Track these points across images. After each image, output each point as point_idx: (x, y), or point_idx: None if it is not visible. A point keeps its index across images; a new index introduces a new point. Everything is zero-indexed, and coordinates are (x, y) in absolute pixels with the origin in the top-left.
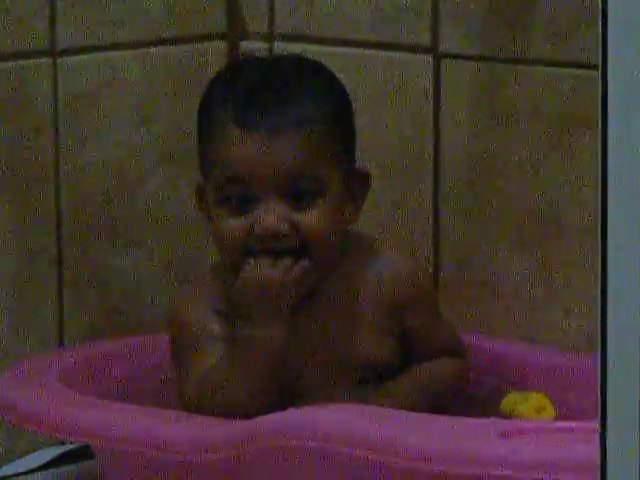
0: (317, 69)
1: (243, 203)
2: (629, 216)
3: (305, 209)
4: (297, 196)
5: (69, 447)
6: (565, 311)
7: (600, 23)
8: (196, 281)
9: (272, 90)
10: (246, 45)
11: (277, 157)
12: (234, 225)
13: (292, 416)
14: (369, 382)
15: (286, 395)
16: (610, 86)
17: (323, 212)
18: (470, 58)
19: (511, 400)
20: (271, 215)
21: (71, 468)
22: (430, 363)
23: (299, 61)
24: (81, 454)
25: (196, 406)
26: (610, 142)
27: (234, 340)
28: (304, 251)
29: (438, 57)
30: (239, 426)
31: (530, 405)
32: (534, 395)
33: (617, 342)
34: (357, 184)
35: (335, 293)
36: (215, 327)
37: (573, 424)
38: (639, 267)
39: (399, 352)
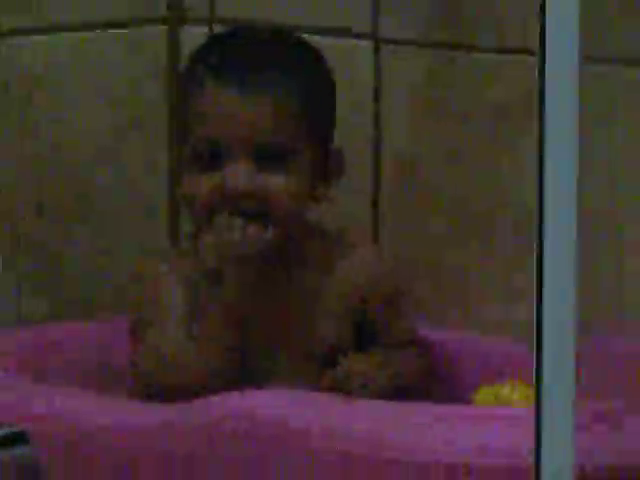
0: (305, 46)
1: (213, 161)
2: (564, 207)
3: (273, 173)
4: (265, 159)
5: (4, 430)
6: (512, 300)
7: (540, 11)
8: (166, 251)
9: (254, 55)
10: (187, 30)
11: (249, 116)
12: (203, 182)
13: (228, 400)
14: (324, 364)
15: (245, 374)
16: (547, 73)
17: (290, 178)
18: (410, 43)
19: (490, 392)
20: (239, 174)
21: (6, 452)
22: (398, 351)
23: (288, 36)
24: (16, 439)
25: (148, 380)
26: (547, 130)
27: (196, 309)
28: (269, 216)
29: (378, 43)
30: (175, 411)
31: (522, 395)
32: (519, 386)
33: (553, 330)
34: (331, 164)
35: (301, 278)
36: (178, 296)
37: (506, 410)
38: (573, 252)
39: (355, 339)
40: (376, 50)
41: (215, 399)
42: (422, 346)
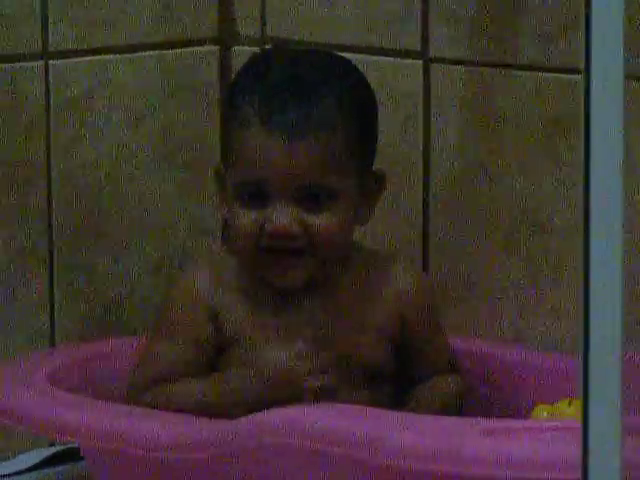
0: (346, 69)
1: (258, 199)
2: (610, 219)
3: (318, 212)
4: (311, 199)
5: (59, 448)
6: (553, 313)
7: (584, 28)
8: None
9: (298, 89)
10: (238, 50)
11: (297, 161)
12: (247, 218)
13: (275, 415)
14: (363, 383)
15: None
16: (593, 91)
17: (336, 216)
18: (459, 62)
19: (545, 409)
20: (283, 216)
21: (60, 469)
22: (435, 381)
23: (328, 59)
24: (71, 455)
25: (134, 400)
26: (593, 146)
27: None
28: (313, 252)
29: (427, 61)
30: (224, 425)
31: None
32: (573, 401)
33: (599, 344)
34: (372, 184)
35: (344, 293)
36: (199, 332)
37: (561, 423)
38: (620, 268)
39: (396, 360)
40: (425, 68)
41: (260, 415)
42: (459, 370)
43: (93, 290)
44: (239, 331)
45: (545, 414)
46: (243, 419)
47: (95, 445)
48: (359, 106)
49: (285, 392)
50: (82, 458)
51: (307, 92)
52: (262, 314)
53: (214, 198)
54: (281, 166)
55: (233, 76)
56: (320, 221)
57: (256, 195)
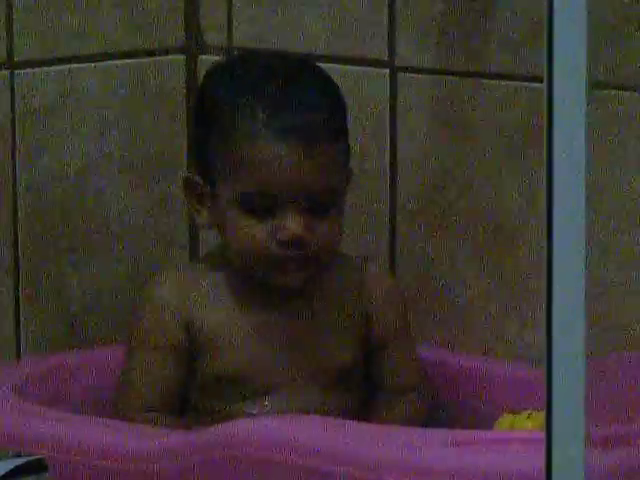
0: (323, 73)
1: (265, 208)
2: (573, 228)
3: (323, 218)
4: (317, 205)
5: (23, 460)
6: (522, 324)
7: (546, 36)
8: (169, 273)
9: (302, 97)
10: (205, 59)
11: (309, 169)
12: (257, 228)
13: (240, 426)
14: (334, 385)
15: (258, 388)
16: (555, 97)
17: (337, 221)
18: (426, 71)
19: (507, 421)
20: (296, 224)
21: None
22: (403, 405)
23: (304, 64)
24: (35, 467)
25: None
26: (555, 154)
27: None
28: (316, 255)
29: (394, 70)
30: (189, 436)
31: (537, 423)
32: (534, 414)
33: (562, 355)
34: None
35: (320, 295)
36: (174, 340)
37: (527, 435)
38: (582, 276)
39: (365, 364)
40: (392, 77)
41: (225, 426)
42: (427, 388)
43: (59, 301)
44: (214, 336)
45: (506, 426)
46: (206, 430)
47: (60, 457)
48: (344, 114)
49: None
50: (46, 469)
51: (310, 100)
52: (237, 318)
53: (183, 208)
54: (294, 176)
55: (207, 86)
56: (326, 227)
57: (263, 204)
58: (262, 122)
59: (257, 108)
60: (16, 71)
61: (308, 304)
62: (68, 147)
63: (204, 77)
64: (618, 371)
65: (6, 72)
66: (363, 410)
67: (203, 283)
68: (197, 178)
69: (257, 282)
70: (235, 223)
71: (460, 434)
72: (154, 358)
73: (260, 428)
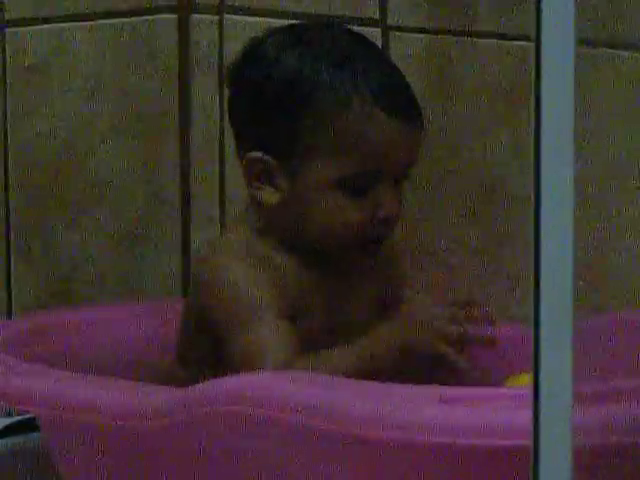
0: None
1: (364, 188)
2: (561, 191)
3: (400, 193)
4: (400, 181)
5: (15, 419)
6: (512, 282)
7: None
8: (239, 247)
9: (395, 72)
10: (196, 18)
11: (412, 146)
12: (355, 210)
13: (226, 382)
14: None
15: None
16: (544, 56)
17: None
18: (418, 30)
19: (511, 381)
20: (395, 202)
21: (17, 440)
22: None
23: (361, 36)
24: (27, 426)
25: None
26: (543, 113)
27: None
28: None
29: (386, 29)
30: (177, 392)
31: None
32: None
33: (549, 312)
34: None
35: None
36: (274, 298)
37: (518, 391)
38: (571, 236)
39: None
40: (384, 36)
41: (212, 382)
42: None
43: (51, 259)
44: (299, 304)
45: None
46: (197, 386)
47: (50, 415)
48: None
49: (425, 338)
50: (38, 429)
51: (400, 74)
52: (312, 288)
53: (175, 167)
54: (400, 153)
55: (273, 59)
56: (401, 202)
57: (365, 184)
58: (369, 99)
59: (358, 85)
60: (7, 30)
61: (366, 273)
62: (59, 106)
63: (261, 49)
64: (609, 331)
65: None
66: None
67: (262, 258)
68: (267, 157)
69: (325, 257)
70: (329, 203)
71: (449, 391)
72: (275, 327)
73: (247, 384)
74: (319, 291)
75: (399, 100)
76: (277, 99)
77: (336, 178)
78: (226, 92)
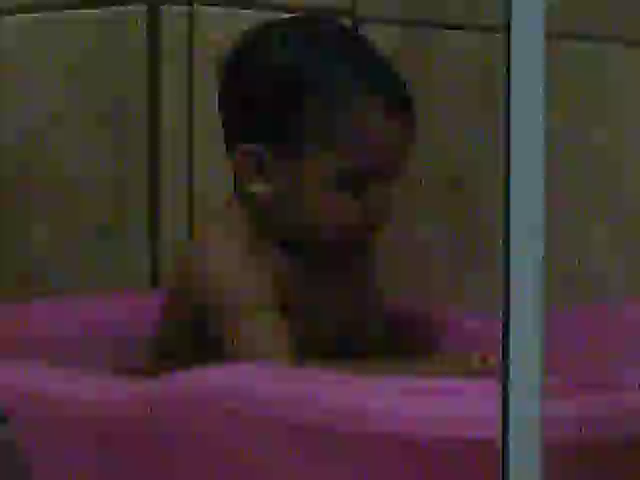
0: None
1: (359, 183)
2: (531, 183)
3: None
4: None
5: None
6: (482, 277)
7: None
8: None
9: (391, 67)
10: (166, 9)
11: (403, 140)
12: (350, 205)
13: (205, 374)
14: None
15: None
16: (513, 48)
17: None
18: (388, 22)
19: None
20: (388, 196)
21: None
22: None
23: (354, 31)
24: None
25: None
26: (513, 105)
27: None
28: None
29: (356, 21)
30: (152, 383)
31: None
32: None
33: (519, 304)
34: None
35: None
36: (267, 289)
37: (473, 383)
38: (540, 224)
39: None
40: (354, 27)
41: (184, 374)
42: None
43: (21, 253)
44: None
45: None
46: (173, 376)
47: (21, 406)
48: None
49: None
50: (6, 421)
51: (392, 68)
52: (302, 283)
53: (143, 158)
54: (394, 152)
55: (270, 53)
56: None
57: (361, 178)
58: (368, 96)
59: (356, 80)
60: None
61: (350, 270)
62: (28, 97)
63: (259, 42)
64: (581, 323)
65: None
66: None
67: (256, 251)
68: (261, 149)
69: (315, 253)
70: (322, 199)
71: (414, 382)
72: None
73: (213, 377)
74: (309, 286)
75: (396, 98)
76: (275, 93)
77: (331, 174)
78: (215, 84)
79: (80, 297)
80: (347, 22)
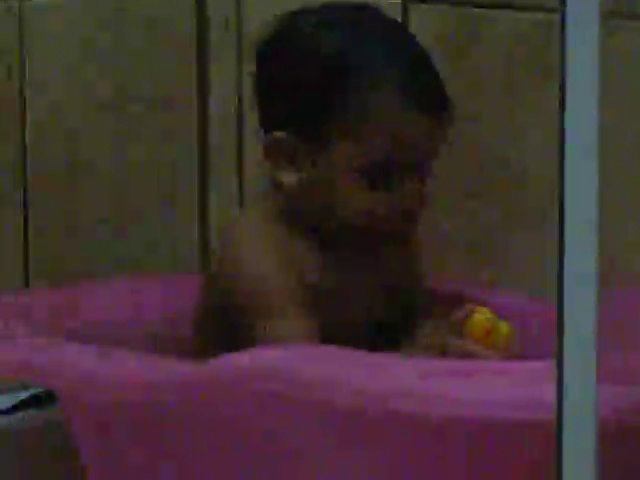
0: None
1: (390, 178)
2: (586, 170)
3: (424, 185)
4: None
5: (31, 392)
6: (530, 259)
7: None
8: (258, 230)
9: (427, 61)
10: None
11: (438, 139)
12: (380, 201)
13: (238, 359)
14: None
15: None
16: (568, 29)
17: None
18: (438, 1)
19: (480, 323)
20: (419, 194)
21: (33, 413)
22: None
23: (395, 21)
24: (44, 399)
25: None
26: (569, 86)
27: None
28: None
29: (406, 1)
30: (192, 367)
31: (480, 326)
32: (486, 316)
33: (573, 290)
34: None
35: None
36: (299, 290)
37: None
38: (595, 209)
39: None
40: (404, 8)
41: (224, 359)
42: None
43: (69, 234)
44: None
45: (485, 321)
46: (211, 362)
47: (72, 389)
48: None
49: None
50: (57, 401)
51: (431, 63)
52: (330, 273)
53: (189, 143)
54: (428, 145)
55: (302, 41)
56: (425, 197)
57: (390, 173)
58: (401, 89)
59: (391, 72)
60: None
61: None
62: (76, 84)
63: (291, 28)
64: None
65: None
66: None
67: (284, 242)
68: (292, 138)
69: (342, 243)
70: (353, 190)
71: (465, 364)
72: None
73: (256, 360)
74: (336, 276)
75: (430, 92)
76: (308, 80)
77: (359, 164)
78: (250, 68)
79: (131, 280)
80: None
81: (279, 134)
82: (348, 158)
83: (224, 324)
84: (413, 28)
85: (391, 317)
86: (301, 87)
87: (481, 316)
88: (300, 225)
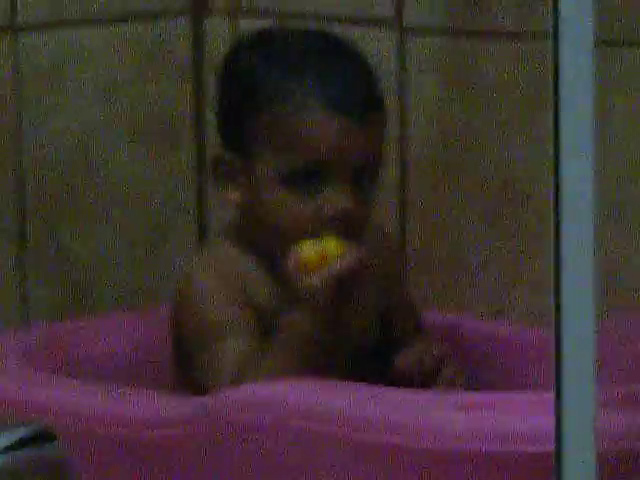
0: (354, 47)
1: (313, 185)
2: (581, 195)
3: (362, 193)
4: (358, 180)
5: (29, 429)
6: (532, 285)
7: None
8: (210, 257)
9: (350, 70)
10: (210, 21)
11: (359, 141)
12: (303, 207)
13: (247, 391)
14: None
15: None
16: (562, 55)
17: (372, 195)
18: (435, 31)
19: (308, 249)
20: (346, 197)
21: (34, 450)
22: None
23: (338, 39)
24: (42, 436)
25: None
26: (562, 111)
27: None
28: (356, 236)
29: (402, 31)
30: (197, 401)
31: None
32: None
33: (570, 316)
34: None
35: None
36: (240, 314)
37: (528, 396)
38: (591, 238)
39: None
40: (401, 38)
41: (232, 391)
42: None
43: (65, 268)
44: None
45: (313, 253)
46: (216, 395)
47: (68, 424)
48: (380, 80)
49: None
50: (55, 439)
51: (353, 70)
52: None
53: (189, 172)
54: (344, 147)
55: (239, 59)
56: (364, 201)
57: (311, 179)
58: (311, 94)
59: (304, 81)
60: (20, 34)
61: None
62: (73, 111)
63: (233, 50)
64: (624, 330)
65: (10, 35)
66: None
67: (244, 265)
68: (228, 155)
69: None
70: (278, 201)
71: (468, 397)
72: (240, 341)
73: (264, 393)
74: (286, 294)
75: (347, 94)
76: (234, 99)
77: (280, 175)
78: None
79: (128, 313)
80: (392, 33)
81: (219, 152)
82: (273, 169)
83: (178, 355)
84: (410, 59)
85: (360, 333)
86: (235, 108)
87: (308, 246)
88: (252, 241)
